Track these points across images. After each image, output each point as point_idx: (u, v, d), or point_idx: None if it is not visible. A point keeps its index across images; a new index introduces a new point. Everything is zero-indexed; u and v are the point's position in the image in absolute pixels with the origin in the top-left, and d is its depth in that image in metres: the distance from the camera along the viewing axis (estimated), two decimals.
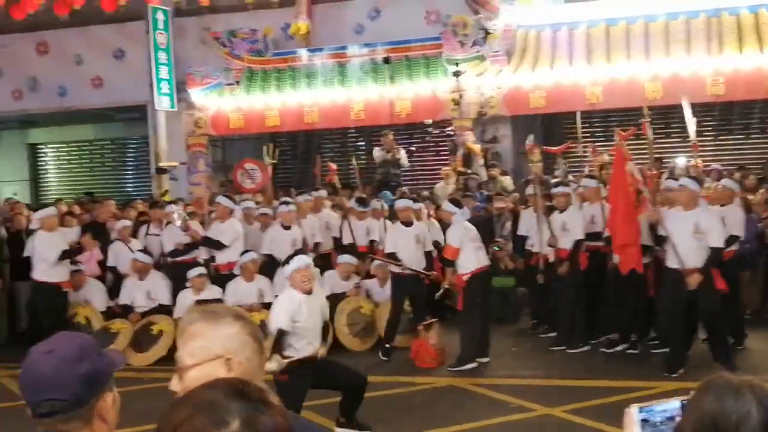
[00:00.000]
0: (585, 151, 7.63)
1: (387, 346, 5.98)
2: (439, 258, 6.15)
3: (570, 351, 5.89)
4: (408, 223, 6.08)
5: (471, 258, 5.54)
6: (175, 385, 1.29)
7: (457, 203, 5.85)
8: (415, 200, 6.74)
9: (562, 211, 6.01)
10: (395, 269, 6.05)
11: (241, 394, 0.87)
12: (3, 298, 7.33)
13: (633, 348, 5.81)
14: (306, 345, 3.94)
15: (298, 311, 3.91)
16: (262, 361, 1.33)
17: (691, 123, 6.71)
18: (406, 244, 5.99)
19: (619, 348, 5.82)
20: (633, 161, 5.61)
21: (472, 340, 5.52)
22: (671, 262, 5.16)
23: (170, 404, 0.90)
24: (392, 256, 6.02)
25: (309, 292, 3.97)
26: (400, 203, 6.28)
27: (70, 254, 6.44)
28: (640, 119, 6.30)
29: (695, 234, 5.03)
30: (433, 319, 5.90)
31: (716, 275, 5.08)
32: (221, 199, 6.94)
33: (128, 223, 7.30)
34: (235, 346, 1.28)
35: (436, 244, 6.50)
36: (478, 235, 5.68)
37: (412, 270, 5.95)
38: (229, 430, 0.83)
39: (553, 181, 7.08)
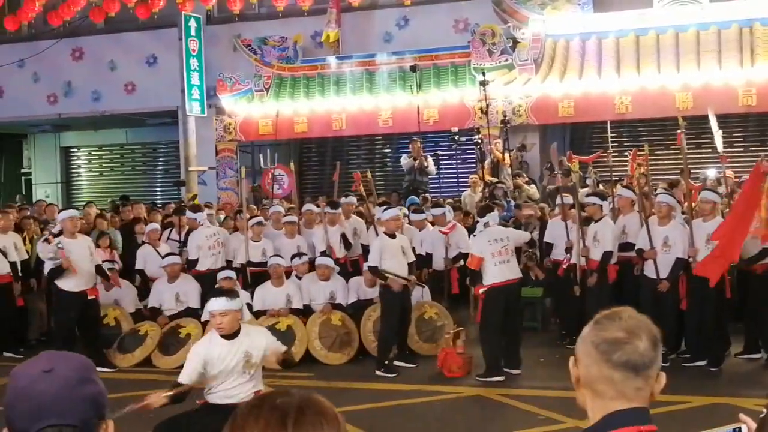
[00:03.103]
0: (616, 162, 7.55)
1: (386, 363, 5.59)
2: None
3: None
4: (393, 235, 5.74)
5: (491, 271, 5.35)
6: None
7: (491, 211, 5.67)
8: (417, 211, 6.78)
9: (597, 221, 5.95)
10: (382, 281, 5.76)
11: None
12: (38, 300, 7.29)
13: (662, 361, 5.69)
14: None
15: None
16: None
17: (717, 134, 6.58)
18: (393, 256, 5.66)
19: None
20: None
21: (493, 352, 5.42)
22: None
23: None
24: (375, 271, 5.71)
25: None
26: (388, 213, 5.78)
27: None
28: (677, 130, 6.20)
29: None
30: (460, 328, 5.88)
31: None
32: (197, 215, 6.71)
33: (157, 226, 7.30)
34: None
35: (458, 255, 6.44)
36: (508, 247, 5.48)
37: (399, 277, 5.63)
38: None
39: (583, 190, 7.02)
